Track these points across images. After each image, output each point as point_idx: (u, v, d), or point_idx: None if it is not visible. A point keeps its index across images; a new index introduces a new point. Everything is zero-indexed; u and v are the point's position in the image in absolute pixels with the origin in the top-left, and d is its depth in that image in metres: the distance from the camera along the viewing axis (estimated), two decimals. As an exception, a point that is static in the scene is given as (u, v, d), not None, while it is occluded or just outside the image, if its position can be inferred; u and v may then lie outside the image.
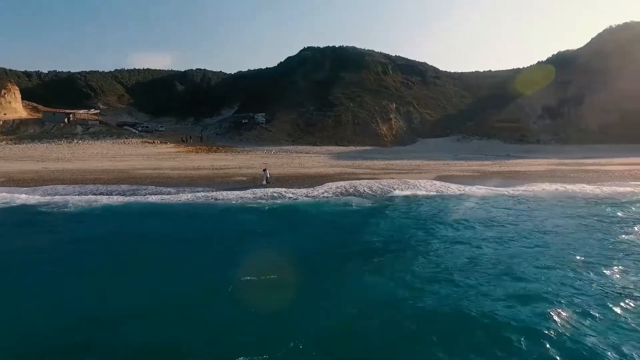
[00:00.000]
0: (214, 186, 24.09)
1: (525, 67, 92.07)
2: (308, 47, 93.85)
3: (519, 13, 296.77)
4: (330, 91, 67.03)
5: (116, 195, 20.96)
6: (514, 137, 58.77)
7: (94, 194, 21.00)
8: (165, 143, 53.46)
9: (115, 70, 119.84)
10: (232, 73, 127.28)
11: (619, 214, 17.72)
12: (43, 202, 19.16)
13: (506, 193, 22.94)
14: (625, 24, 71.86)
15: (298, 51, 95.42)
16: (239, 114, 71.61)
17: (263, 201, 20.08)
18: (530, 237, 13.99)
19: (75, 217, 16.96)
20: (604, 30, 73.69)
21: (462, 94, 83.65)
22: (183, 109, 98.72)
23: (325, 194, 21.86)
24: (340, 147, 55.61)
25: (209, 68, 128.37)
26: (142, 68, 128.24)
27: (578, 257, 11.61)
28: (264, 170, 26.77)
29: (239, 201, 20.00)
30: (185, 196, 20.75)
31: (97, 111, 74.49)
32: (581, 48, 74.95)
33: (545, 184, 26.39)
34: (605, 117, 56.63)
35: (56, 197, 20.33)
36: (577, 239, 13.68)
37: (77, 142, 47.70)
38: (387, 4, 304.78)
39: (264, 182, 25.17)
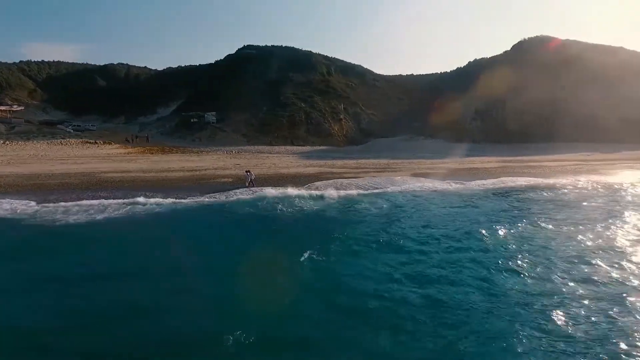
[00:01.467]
0: (210, 188, 23.13)
1: (450, 71, 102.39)
2: (249, 45, 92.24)
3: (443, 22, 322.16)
4: (282, 91, 66.79)
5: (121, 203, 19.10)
6: (454, 137, 64.12)
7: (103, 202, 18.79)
8: (110, 143, 48.75)
9: (21, 61, 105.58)
10: (162, 69, 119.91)
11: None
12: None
13: (490, 187, 25.59)
14: (537, 37, 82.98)
15: (236, 49, 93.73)
16: (185, 112, 67.75)
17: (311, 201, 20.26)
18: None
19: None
20: (519, 42, 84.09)
21: (399, 96, 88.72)
22: (109, 107, 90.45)
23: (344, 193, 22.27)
24: (297, 147, 55.81)
25: (131, 62, 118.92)
26: (52, 60, 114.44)
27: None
28: (247, 171, 26.02)
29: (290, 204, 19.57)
30: (205, 199, 20.12)
31: (21, 108, 64.98)
32: (500, 55, 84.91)
33: (510, 177, 29.85)
34: (524, 119, 64.56)
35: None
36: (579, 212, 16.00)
37: (3, 143, 41.27)
38: (318, 7, 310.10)
39: (247, 184, 24.49)
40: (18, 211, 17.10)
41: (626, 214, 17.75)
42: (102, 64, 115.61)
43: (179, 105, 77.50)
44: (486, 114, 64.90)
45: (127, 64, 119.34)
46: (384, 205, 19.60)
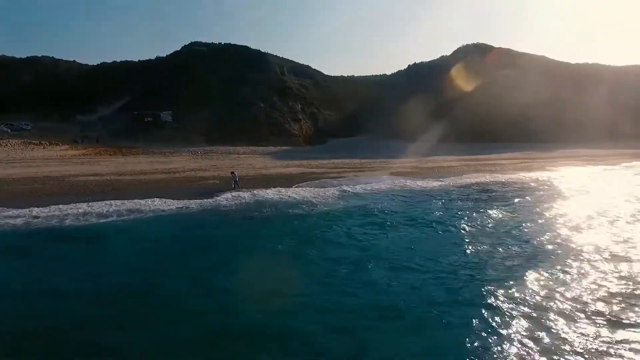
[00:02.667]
0: (201, 191, 22.54)
1: (390, 73, 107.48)
2: (197, 42, 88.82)
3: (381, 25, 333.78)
4: (239, 90, 65.33)
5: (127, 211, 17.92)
6: (411, 137, 67.25)
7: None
8: (57, 144, 44.44)
9: None
10: (96, 64, 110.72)
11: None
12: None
13: (465, 183, 27.77)
14: (474, 45, 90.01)
15: (181, 46, 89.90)
16: (134, 111, 63.48)
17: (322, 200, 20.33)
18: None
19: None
20: (459, 48, 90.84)
21: (349, 96, 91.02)
22: (40, 105, 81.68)
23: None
24: (261, 147, 55.19)
25: (57, 56, 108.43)
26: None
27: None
28: (232, 173, 25.61)
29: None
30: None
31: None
32: (439, 59, 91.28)
33: (479, 174, 32.59)
34: (472, 120, 69.95)
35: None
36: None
37: None
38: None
39: (233, 186, 24.09)
40: (16, 222, 15.38)
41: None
42: (24, 56, 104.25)
43: (125, 103, 72.38)
44: (439, 115, 68.96)
45: (53, 57, 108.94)
46: (400, 202, 20.54)
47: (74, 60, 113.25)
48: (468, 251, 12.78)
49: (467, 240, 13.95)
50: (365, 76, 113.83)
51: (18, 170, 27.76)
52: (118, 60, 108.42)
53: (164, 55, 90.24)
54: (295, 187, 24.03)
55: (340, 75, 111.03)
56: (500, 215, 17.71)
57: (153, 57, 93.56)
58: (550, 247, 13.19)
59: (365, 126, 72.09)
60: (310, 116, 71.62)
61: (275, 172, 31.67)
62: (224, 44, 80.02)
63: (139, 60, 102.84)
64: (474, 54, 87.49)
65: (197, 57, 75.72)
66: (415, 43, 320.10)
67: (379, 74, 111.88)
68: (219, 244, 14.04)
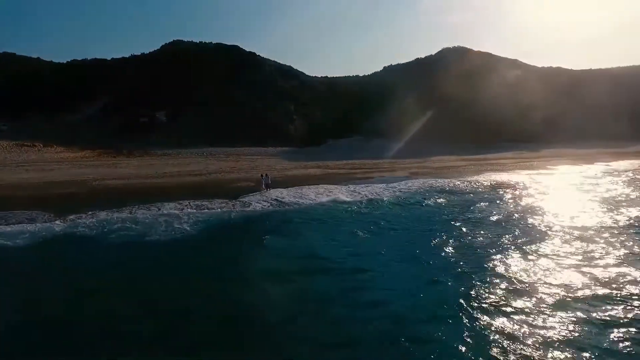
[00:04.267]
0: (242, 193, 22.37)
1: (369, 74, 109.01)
2: (178, 41, 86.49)
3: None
4: (233, 90, 64.37)
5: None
6: (398, 138, 68.84)
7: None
8: (51, 146, 42.16)
9: None
10: (67, 62, 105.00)
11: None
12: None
13: (487, 182, 28.94)
14: (454, 48, 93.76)
15: (161, 45, 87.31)
16: (121, 111, 61.04)
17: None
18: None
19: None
20: (441, 50, 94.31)
21: (336, 96, 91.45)
22: (13, 104, 76.76)
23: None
24: (261, 148, 54.83)
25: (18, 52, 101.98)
26: None
27: None
28: (265, 175, 25.47)
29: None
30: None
31: None
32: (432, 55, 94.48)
33: (492, 173, 34.10)
34: (462, 120, 72.62)
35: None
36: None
37: None
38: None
39: (264, 188, 24.04)
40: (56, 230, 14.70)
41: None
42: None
43: (113, 102, 69.28)
44: (430, 116, 71.07)
45: (14, 53, 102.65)
46: (457, 200, 21.29)
47: (39, 57, 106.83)
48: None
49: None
50: (348, 77, 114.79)
51: (33, 175, 26.30)
52: (89, 58, 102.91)
53: (139, 54, 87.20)
54: (348, 186, 24.38)
55: (324, 75, 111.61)
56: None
57: (128, 55, 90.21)
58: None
59: (356, 127, 72.89)
60: (303, 117, 71.59)
61: (297, 174, 31.69)
62: (215, 43, 78.49)
63: (112, 58, 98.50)
64: (455, 56, 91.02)
65: (182, 56, 73.65)
66: (391, 45, 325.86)
67: (353, 75, 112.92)
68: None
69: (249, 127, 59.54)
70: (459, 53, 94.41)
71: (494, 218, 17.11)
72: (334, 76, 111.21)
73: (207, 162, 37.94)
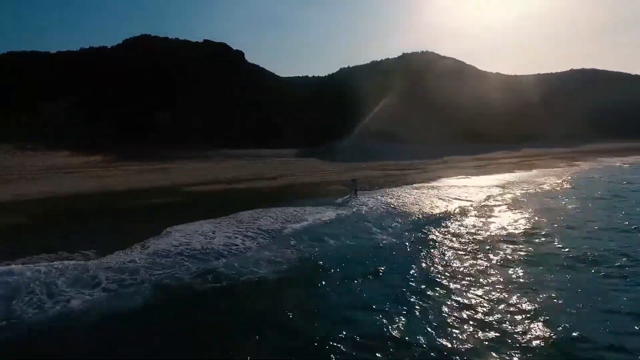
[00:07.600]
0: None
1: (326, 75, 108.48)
2: (147, 35, 79.64)
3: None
4: (234, 92, 60.62)
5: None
6: (388, 139, 69.19)
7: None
8: (55, 150, 36.27)
9: None
10: (26, 50, 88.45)
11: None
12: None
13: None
14: (422, 52, 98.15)
15: (124, 39, 79.94)
16: (111, 110, 54.35)
17: None
18: None
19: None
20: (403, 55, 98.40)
21: (310, 97, 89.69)
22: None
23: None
24: (269, 150, 52.33)
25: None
26: None
27: None
28: (354, 180, 24.16)
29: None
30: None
31: None
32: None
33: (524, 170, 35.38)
34: (458, 120, 75.68)
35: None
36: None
37: None
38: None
39: (353, 192, 22.91)
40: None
41: None
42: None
43: (104, 102, 61.33)
44: (431, 117, 73.00)
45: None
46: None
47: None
48: None
49: None
50: (318, 77, 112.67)
51: (95, 183, 22.28)
52: (53, 52, 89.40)
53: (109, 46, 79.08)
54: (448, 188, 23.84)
55: (294, 75, 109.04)
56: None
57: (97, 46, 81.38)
58: None
59: (349, 128, 72.45)
60: (298, 118, 69.70)
61: (360, 175, 30.02)
62: (204, 40, 73.39)
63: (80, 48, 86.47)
64: (420, 60, 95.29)
65: (167, 53, 67.83)
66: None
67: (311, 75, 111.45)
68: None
69: (256, 129, 56.54)
70: (424, 57, 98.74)
71: None
72: (307, 75, 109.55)
73: (252, 166, 35.08)
